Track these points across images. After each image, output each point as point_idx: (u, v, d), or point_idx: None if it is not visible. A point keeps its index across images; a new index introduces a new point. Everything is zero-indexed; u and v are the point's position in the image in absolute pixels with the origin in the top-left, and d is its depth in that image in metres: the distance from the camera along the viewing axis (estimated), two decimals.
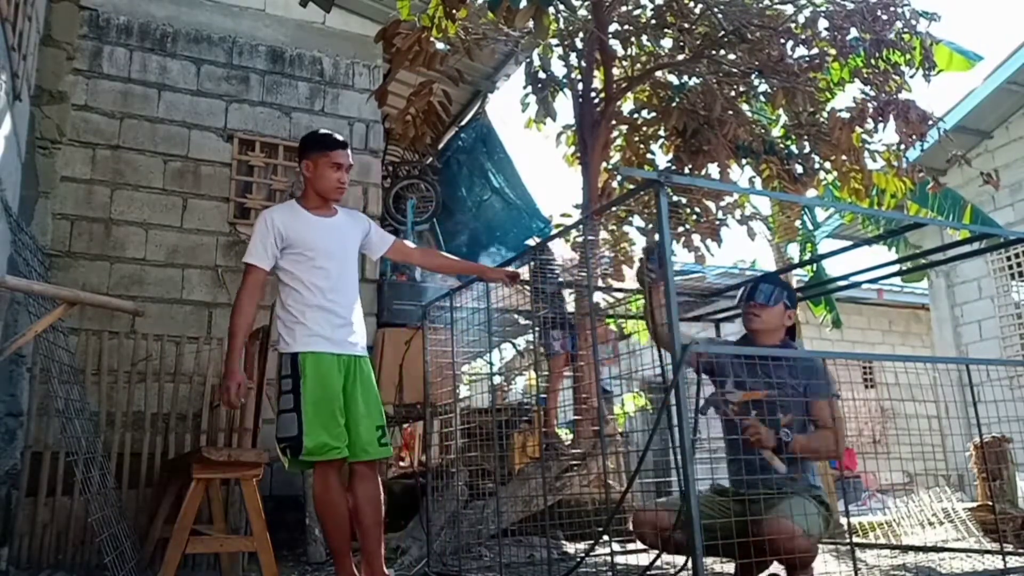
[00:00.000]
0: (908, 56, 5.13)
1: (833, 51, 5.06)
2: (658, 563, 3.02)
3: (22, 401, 4.53)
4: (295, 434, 2.82)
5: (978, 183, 6.19)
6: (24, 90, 4.23)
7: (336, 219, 3.13)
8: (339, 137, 3.15)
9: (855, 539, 4.23)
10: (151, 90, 5.60)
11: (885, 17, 5.00)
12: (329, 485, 2.88)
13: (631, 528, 3.06)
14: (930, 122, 5.06)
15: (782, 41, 5.02)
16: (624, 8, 5.37)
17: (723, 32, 4.97)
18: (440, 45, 4.88)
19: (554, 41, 5.57)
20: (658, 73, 5.63)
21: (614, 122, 5.68)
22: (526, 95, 5.69)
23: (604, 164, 5.69)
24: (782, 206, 6.49)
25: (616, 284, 5.81)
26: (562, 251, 6.36)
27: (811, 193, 5.85)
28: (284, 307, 2.99)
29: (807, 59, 5.09)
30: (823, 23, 5.04)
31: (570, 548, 4.59)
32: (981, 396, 3.62)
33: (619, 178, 5.83)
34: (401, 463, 6.60)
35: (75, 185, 5.23)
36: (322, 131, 3.24)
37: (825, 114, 5.39)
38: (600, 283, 5.58)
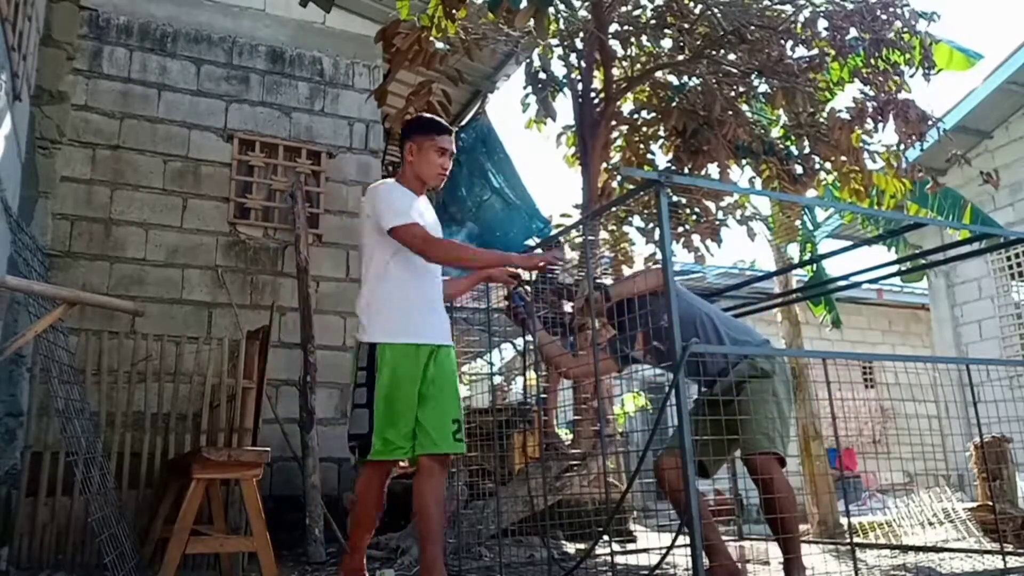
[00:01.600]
0: (908, 56, 5.13)
1: (833, 51, 5.06)
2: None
3: (22, 401, 4.52)
4: (365, 432, 2.67)
5: (978, 183, 6.18)
6: (24, 90, 4.23)
7: (428, 203, 3.00)
8: (445, 123, 3.04)
9: (855, 539, 4.23)
10: (151, 90, 5.60)
11: (884, 17, 5.01)
12: (373, 481, 2.79)
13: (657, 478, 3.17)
14: (930, 122, 5.06)
15: (782, 41, 5.02)
16: (624, 8, 5.37)
17: (723, 32, 4.98)
18: (440, 45, 4.88)
19: (554, 41, 5.57)
20: (658, 73, 5.64)
21: (614, 122, 5.68)
22: (526, 95, 5.70)
23: (604, 164, 5.70)
24: (782, 206, 6.49)
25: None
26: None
27: (811, 193, 5.85)
28: (372, 290, 2.77)
29: (807, 59, 5.09)
30: (823, 23, 5.04)
31: (570, 548, 4.59)
32: (981, 396, 3.62)
33: (619, 178, 5.84)
34: (401, 463, 6.59)
35: (75, 185, 5.23)
36: (428, 115, 3.16)
37: (825, 114, 5.39)
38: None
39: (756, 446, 2.98)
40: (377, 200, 2.78)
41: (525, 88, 5.68)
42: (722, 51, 5.22)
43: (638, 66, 5.72)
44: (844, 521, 3.01)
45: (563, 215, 6.36)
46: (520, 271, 3.07)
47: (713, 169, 5.60)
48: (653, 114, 5.85)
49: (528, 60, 5.89)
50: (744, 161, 5.70)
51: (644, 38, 5.59)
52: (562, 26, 5.42)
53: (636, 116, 5.94)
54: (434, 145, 2.90)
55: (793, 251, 7.16)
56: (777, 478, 2.96)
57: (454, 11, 4.43)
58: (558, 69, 5.77)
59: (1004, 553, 3.68)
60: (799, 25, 5.11)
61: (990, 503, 4.54)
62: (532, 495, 4.45)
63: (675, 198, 5.69)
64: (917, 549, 4.42)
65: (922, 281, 9.61)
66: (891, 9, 5.02)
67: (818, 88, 5.24)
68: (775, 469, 2.98)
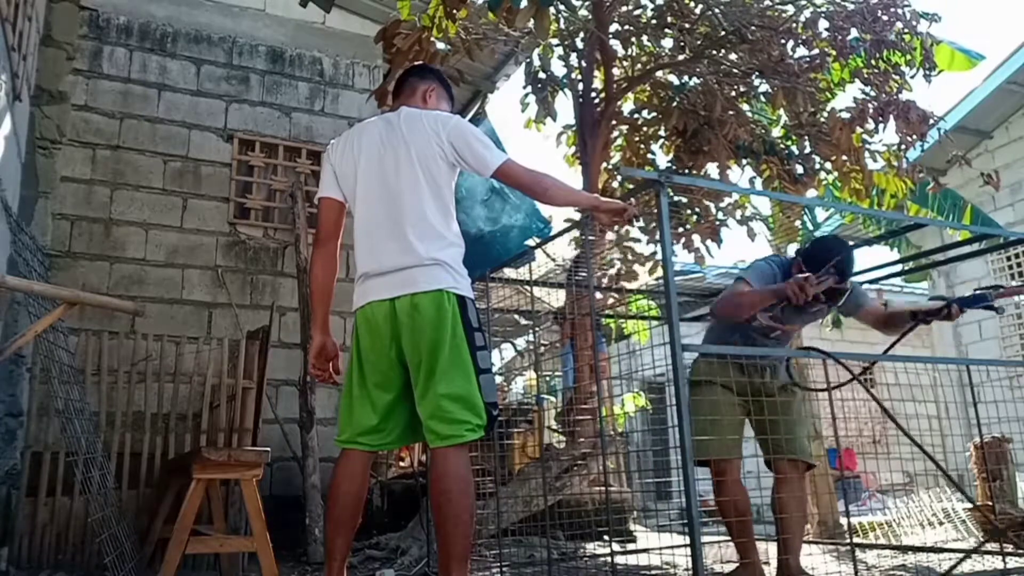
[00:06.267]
0: (908, 56, 5.13)
1: (833, 52, 5.06)
2: (658, 563, 3.02)
3: (22, 401, 4.52)
4: (496, 399, 2.31)
5: (978, 183, 6.18)
6: (24, 90, 4.23)
7: None
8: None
9: (855, 539, 4.23)
10: (151, 90, 5.60)
11: (885, 18, 5.01)
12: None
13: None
14: (930, 122, 5.06)
15: (782, 41, 5.02)
16: (624, 8, 5.37)
17: (723, 32, 4.98)
18: (440, 45, 4.88)
19: (554, 41, 5.58)
20: (658, 73, 5.64)
21: (614, 122, 5.68)
22: (526, 95, 5.70)
23: (604, 164, 5.70)
24: (782, 206, 6.49)
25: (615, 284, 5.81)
26: (563, 252, 6.36)
27: (811, 193, 5.85)
28: (455, 234, 2.39)
29: (807, 59, 5.09)
30: (823, 24, 5.04)
31: (570, 548, 4.58)
32: (981, 396, 3.61)
33: (619, 178, 5.84)
34: (401, 463, 6.59)
35: (75, 185, 5.23)
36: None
37: (825, 114, 5.39)
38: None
39: (798, 451, 3.04)
40: (478, 134, 2.45)
41: (525, 88, 5.68)
42: (723, 51, 5.22)
43: (639, 66, 5.72)
44: (844, 521, 3.01)
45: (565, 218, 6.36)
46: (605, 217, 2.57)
47: (713, 169, 5.60)
48: (653, 114, 5.86)
49: (528, 60, 5.89)
50: (744, 161, 5.70)
51: (644, 38, 5.60)
52: (562, 26, 5.42)
53: (636, 116, 5.95)
54: None
55: (793, 251, 7.15)
56: (793, 479, 3.02)
57: (454, 11, 4.43)
58: (558, 69, 5.78)
59: (1004, 553, 3.68)
60: (800, 25, 5.11)
61: (990, 503, 4.54)
62: (532, 495, 4.45)
63: (675, 198, 5.69)
64: (917, 549, 4.42)
65: (923, 281, 9.61)
66: (892, 10, 5.02)
67: (819, 88, 5.24)
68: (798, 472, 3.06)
